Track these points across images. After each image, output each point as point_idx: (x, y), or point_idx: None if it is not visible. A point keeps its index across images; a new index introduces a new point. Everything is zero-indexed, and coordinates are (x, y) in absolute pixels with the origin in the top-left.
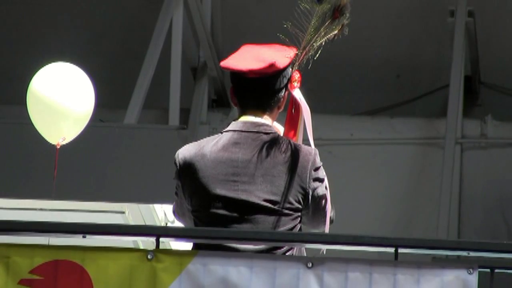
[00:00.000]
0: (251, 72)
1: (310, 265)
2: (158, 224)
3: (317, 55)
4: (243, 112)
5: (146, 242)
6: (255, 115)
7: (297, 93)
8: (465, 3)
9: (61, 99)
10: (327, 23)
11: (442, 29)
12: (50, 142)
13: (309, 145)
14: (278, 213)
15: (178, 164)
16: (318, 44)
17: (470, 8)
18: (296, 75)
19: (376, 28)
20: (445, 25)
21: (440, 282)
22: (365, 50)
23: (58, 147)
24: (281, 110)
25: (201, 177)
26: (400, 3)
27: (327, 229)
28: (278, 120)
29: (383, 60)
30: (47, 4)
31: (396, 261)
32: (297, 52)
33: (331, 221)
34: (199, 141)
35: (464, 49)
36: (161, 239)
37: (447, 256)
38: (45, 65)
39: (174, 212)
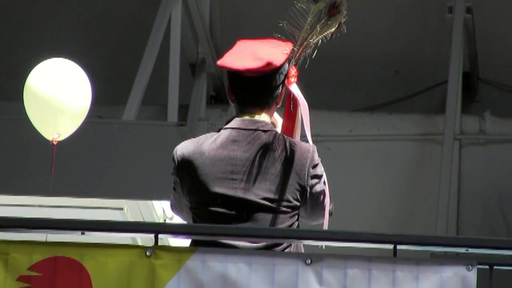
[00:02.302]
0: (249, 71)
1: (309, 261)
2: (156, 220)
3: (315, 53)
4: (241, 110)
5: (144, 239)
6: (253, 112)
7: (295, 88)
8: None
9: (58, 95)
10: (323, 21)
11: (441, 25)
12: (47, 138)
13: (307, 140)
14: (276, 211)
15: (176, 161)
16: (314, 41)
17: (468, 5)
18: (293, 71)
19: (375, 24)
20: (444, 21)
21: (439, 278)
22: (363, 46)
23: (55, 143)
24: (279, 105)
25: (200, 174)
26: None
27: (326, 223)
28: (278, 112)
29: (381, 56)
30: (45, 0)
31: (395, 257)
32: (293, 48)
33: (330, 214)
34: (197, 138)
35: (462, 45)
36: (159, 236)
37: (445, 252)
38: (42, 61)
39: (172, 206)
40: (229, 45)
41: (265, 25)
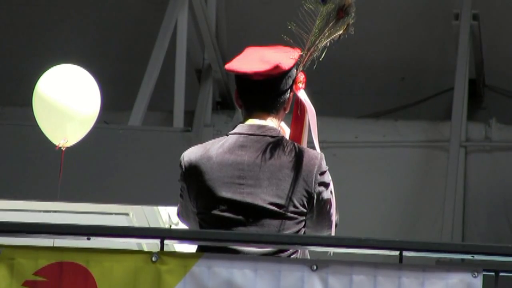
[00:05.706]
0: (256, 74)
1: (314, 268)
2: (162, 226)
3: (322, 57)
4: (248, 115)
5: (150, 244)
6: (261, 117)
7: (302, 94)
8: (470, 6)
9: (67, 101)
10: (331, 24)
11: (447, 32)
12: (55, 144)
13: (314, 146)
14: (283, 217)
15: (183, 167)
16: (322, 44)
17: (474, 11)
18: (301, 76)
19: (381, 31)
20: (450, 28)
21: (445, 285)
22: (369, 53)
23: (63, 148)
24: (287, 111)
25: (207, 179)
26: (405, 6)
27: (333, 233)
28: (285, 121)
29: (387, 63)
30: (52, 6)
31: (400, 264)
32: (301, 53)
33: (335, 225)
34: (204, 144)
35: (468, 52)
36: (165, 241)
37: (451, 259)
38: (50, 67)
39: (178, 214)
40: (235, 51)
41: (272, 31)
